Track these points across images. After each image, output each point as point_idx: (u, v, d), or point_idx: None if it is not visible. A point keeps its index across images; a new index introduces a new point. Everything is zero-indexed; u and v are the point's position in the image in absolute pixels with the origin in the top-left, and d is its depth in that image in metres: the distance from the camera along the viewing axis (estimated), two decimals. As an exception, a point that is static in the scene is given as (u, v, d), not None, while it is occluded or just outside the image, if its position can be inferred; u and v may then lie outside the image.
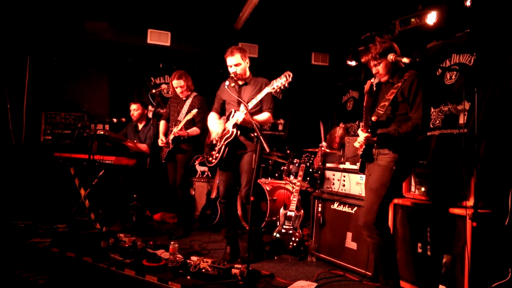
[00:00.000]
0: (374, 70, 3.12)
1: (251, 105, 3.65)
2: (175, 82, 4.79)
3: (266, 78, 3.85)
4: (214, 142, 3.93)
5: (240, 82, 3.93)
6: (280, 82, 3.38)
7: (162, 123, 5.06)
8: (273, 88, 3.46)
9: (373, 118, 2.91)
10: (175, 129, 4.64)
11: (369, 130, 2.90)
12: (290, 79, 3.34)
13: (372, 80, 3.15)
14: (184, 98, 4.88)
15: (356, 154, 3.84)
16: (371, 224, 2.92)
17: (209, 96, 4.96)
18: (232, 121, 3.77)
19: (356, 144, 3.08)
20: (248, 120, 3.59)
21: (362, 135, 2.94)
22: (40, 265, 3.56)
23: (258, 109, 3.86)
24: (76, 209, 5.23)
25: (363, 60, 3.15)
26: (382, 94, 3.13)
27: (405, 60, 2.74)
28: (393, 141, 2.90)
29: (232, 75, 3.78)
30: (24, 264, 3.55)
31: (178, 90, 4.82)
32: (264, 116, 3.84)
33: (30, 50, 6.03)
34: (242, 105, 3.67)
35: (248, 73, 3.95)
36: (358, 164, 3.13)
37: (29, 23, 5.61)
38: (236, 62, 3.80)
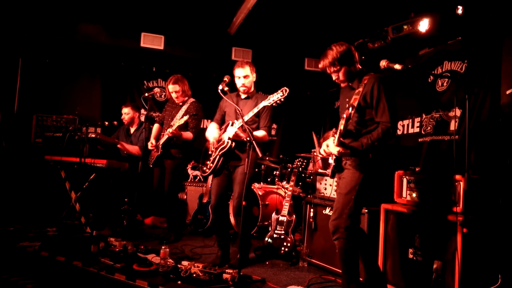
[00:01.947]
0: (334, 77, 3.01)
1: (247, 117, 3.69)
2: (170, 87, 4.73)
3: (260, 82, 3.93)
4: (209, 152, 3.93)
5: (243, 96, 3.96)
6: (277, 96, 3.49)
7: (155, 126, 5.02)
8: (269, 102, 3.54)
9: (341, 128, 2.74)
10: (170, 129, 4.51)
11: (340, 144, 2.75)
12: (286, 94, 3.47)
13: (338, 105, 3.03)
14: (180, 104, 4.82)
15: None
16: (341, 228, 2.86)
17: (202, 99, 4.97)
18: (227, 133, 3.79)
19: (323, 153, 3.00)
20: (240, 135, 3.65)
21: (334, 149, 2.78)
22: (29, 269, 3.51)
23: (256, 126, 3.89)
24: (66, 213, 5.18)
25: (320, 66, 2.99)
26: (345, 99, 3.06)
27: (398, 66, 2.72)
28: (365, 150, 2.80)
29: (240, 87, 3.88)
30: (13, 268, 3.50)
31: (174, 95, 4.76)
32: (260, 133, 3.86)
33: (22, 52, 6.01)
34: (239, 119, 3.70)
35: (252, 88, 4.01)
36: (329, 170, 3.04)
37: (22, 25, 5.57)
38: (245, 74, 3.87)
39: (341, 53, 2.88)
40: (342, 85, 3.08)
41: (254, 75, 3.97)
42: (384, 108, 2.77)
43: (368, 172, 2.87)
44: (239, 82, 3.89)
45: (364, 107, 2.86)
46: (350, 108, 2.63)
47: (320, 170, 4.33)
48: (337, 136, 2.74)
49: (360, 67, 2.99)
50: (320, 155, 3.09)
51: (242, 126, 3.61)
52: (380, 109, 2.79)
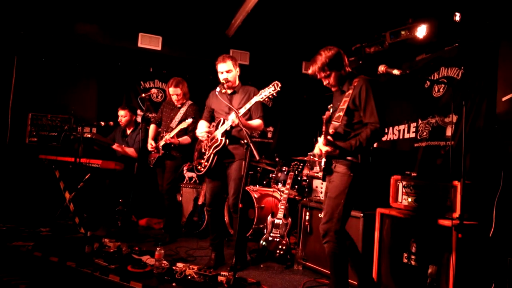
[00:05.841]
0: (324, 82, 3.00)
1: (240, 113, 3.67)
2: (171, 90, 4.74)
3: (257, 85, 3.90)
4: (203, 150, 3.93)
5: (229, 91, 3.94)
6: (268, 91, 3.46)
7: (152, 127, 5.01)
8: (262, 98, 3.53)
9: (330, 131, 2.81)
10: (167, 136, 4.59)
11: (328, 143, 2.77)
12: (278, 89, 3.42)
13: (330, 108, 3.01)
14: (178, 106, 4.84)
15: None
16: (332, 232, 2.86)
17: (199, 101, 4.96)
18: (221, 129, 3.77)
19: (317, 151, 3.00)
20: (241, 122, 3.58)
21: (323, 148, 2.80)
22: (22, 269, 3.49)
23: (247, 118, 3.88)
24: (60, 213, 5.14)
25: (310, 72, 2.99)
26: (335, 103, 3.04)
27: (396, 72, 2.74)
28: (354, 151, 2.81)
29: (223, 81, 3.80)
30: (6, 268, 3.47)
31: (174, 98, 4.78)
32: (256, 122, 3.87)
33: (17, 50, 5.97)
34: (231, 113, 3.68)
35: (237, 82, 3.98)
36: (320, 174, 3.10)
37: (18, 23, 5.53)
38: (228, 69, 3.84)
39: (330, 58, 2.88)
40: (333, 89, 3.10)
41: (238, 69, 3.95)
42: (372, 109, 2.79)
43: (357, 175, 2.88)
44: (222, 77, 3.85)
45: (353, 110, 2.88)
46: (331, 110, 2.67)
47: (315, 174, 4.33)
48: (323, 136, 2.78)
49: (350, 70, 2.98)
50: (314, 156, 3.14)
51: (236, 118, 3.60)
52: (369, 110, 2.80)
